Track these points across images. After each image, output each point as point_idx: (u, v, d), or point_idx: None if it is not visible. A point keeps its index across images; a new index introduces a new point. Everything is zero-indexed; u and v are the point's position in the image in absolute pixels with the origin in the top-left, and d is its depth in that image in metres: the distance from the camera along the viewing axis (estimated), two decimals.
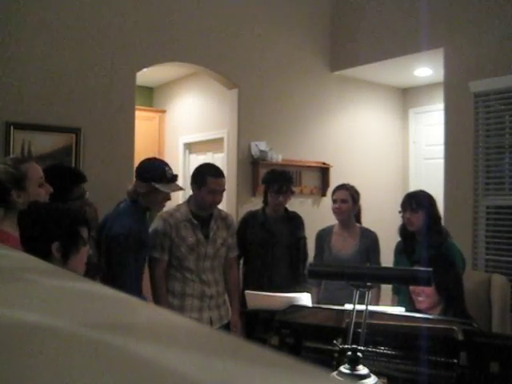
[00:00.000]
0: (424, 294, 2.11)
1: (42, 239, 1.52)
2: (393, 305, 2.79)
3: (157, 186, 2.46)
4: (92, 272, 2.08)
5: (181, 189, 2.68)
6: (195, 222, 2.68)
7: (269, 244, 3.01)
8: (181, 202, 2.99)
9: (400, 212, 2.81)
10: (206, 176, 2.67)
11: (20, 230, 1.55)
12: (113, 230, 2.39)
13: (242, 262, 3.11)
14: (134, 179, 2.55)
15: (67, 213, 1.67)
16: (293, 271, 3.07)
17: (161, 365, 0.28)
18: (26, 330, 0.34)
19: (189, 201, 2.77)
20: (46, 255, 1.50)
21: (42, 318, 0.36)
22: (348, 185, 3.14)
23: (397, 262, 2.85)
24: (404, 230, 2.82)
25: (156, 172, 2.49)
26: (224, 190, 2.76)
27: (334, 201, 3.09)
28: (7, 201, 1.82)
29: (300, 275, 3.07)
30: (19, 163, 1.90)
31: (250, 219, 3.12)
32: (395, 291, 2.84)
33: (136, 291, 2.40)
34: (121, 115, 3.84)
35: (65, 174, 2.25)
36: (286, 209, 3.12)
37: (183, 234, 2.66)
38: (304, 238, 3.17)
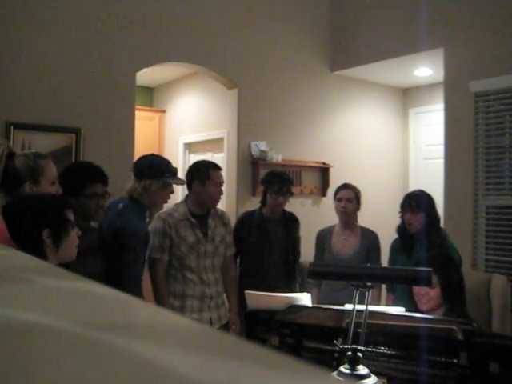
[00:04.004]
0: (428, 296, 2.10)
1: (32, 229, 1.54)
2: (388, 303, 2.80)
3: (170, 181, 2.48)
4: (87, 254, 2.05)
5: (184, 182, 2.74)
6: (194, 220, 2.68)
7: (264, 245, 3.02)
8: (179, 200, 2.99)
9: (400, 212, 2.81)
10: (209, 170, 2.70)
11: (7, 224, 1.55)
12: (120, 230, 2.35)
13: (238, 261, 3.11)
14: (136, 177, 2.50)
15: (50, 198, 1.69)
16: (288, 272, 3.08)
17: (161, 365, 0.28)
18: (26, 330, 0.34)
19: (186, 200, 2.77)
20: (38, 244, 1.52)
21: (42, 318, 0.36)
22: (350, 184, 3.15)
23: (393, 259, 2.86)
24: (403, 229, 2.82)
25: (165, 167, 2.50)
26: (223, 182, 2.81)
27: (339, 199, 3.08)
28: (20, 191, 1.83)
29: (294, 275, 3.08)
30: (39, 158, 1.91)
31: (246, 220, 3.12)
32: (390, 290, 2.84)
33: (138, 290, 2.39)
34: (121, 115, 3.84)
35: (79, 170, 2.24)
36: (283, 209, 3.13)
37: (183, 233, 2.66)
38: (298, 238, 3.17)
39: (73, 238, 1.63)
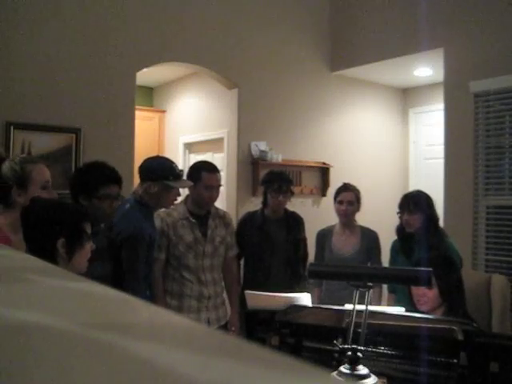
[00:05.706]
0: (426, 297, 2.10)
1: (47, 236, 1.52)
2: (389, 303, 2.79)
3: (170, 183, 2.43)
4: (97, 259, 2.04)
5: (190, 184, 2.65)
6: (193, 220, 2.68)
7: (267, 245, 3.01)
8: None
9: (398, 213, 2.81)
10: (201, 172, 2.68)
11: (23, 227, 1.54)
12: (123, 231, 2.34)
13: (242, 262, 3.11)
14: (140, 180, 2.50)
15: (71, 209, 1.67)
16: (292, 272, 3.07)
17: (161, 365, 0.28)
18: (26, 330, 0.34)
19: (186, 200, 2.78)
20: (51, 252, 1.50)
21: (42, 318, 0.36)
22: (351, 185, 3.14)
23: (393, 260, 2.85)
24: (402, 230, 2.82)
25: (166, 170, 2.46)
26: (220, 185, 2.77)
27: (340, 202, 3.07)
28: (7, 198, 1.82)
29: (300, 276, 3.07)
30: (26, 163, 1.90)
31: (248, 221, 3.11)
32: (391, 290, 2.84)
33: (144, 292, 2.40)
34: (121, 115, 3.84)
35: (94, 170, 2.18)
36: (285, 209, 3.12)
37: (181, 232, 2.65)
38: (304, 239, 3.16)
39: (86, 251, 1.61)
